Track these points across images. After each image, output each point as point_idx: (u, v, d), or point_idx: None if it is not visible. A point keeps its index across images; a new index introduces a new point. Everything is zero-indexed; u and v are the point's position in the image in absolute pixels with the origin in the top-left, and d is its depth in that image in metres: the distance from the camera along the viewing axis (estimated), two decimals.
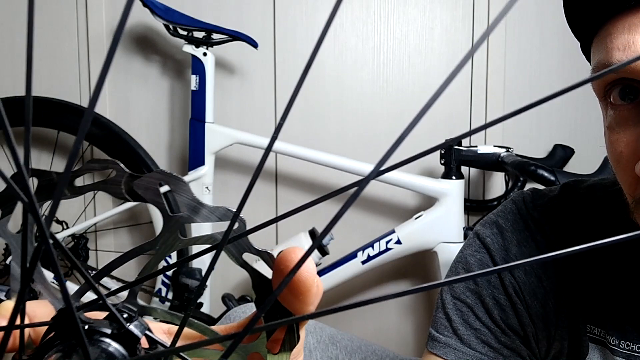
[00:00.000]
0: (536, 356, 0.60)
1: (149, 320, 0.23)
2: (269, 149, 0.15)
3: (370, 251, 1.22)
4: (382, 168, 0.14)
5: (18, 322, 0.18)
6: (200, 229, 1.19)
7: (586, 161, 1.33)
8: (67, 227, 1.36)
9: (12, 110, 1.35)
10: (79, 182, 0.23)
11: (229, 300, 1.28)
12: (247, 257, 0.25)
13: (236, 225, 0.19)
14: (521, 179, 1.24)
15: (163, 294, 1.31)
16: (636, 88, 0.43)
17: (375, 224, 1.45)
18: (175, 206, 0.22)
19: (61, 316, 0.19)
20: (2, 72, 1.45)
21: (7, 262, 1.29)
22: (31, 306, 0.23)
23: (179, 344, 0.23)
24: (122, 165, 0.22)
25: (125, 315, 0.20)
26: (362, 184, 0.14)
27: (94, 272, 0.20)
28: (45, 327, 0.20)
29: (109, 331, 0.19)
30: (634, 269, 0.54)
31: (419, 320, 1.48)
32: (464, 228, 1.23)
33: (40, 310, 0.23)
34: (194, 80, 1.28)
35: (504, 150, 1.22)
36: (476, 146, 1.24)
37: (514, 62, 1.42)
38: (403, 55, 1.43)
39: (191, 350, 0.22)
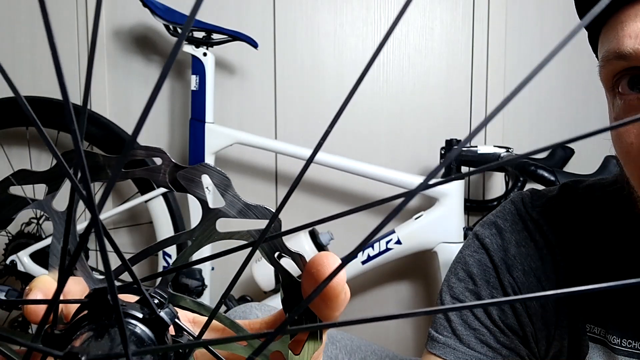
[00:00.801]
0: (535, 356, 0.60)
1: (176, 308, 0.24)
2: (310, 158, 0.15)
3: (370, 251, 1.22)
4: (431, 182, 0.14)
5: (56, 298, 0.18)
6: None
7: (586, 161, 1.33)
8: None
9: (13, 110, 1.35)
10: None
11: (228, 300, 1.28)
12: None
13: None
14: (521, 179, 1.24)
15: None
16: None
17: (375, 224, 1.45)
18: (214, 200, 0.22)
19: (97, 295, 0.20)
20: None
21: (7, 262, 1.29)
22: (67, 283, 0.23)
23: (205, 336, 0.23)
24: (168, 154, 0.22)
25: (156, 301, 0.20)
26: (408, 195, 0.14)
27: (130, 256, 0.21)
28: (78, 304, 0.20)
29: (140, 315, 0.20)
30: (634, 267, 0.54)
31: (419, 320, 1.48)
32: (464, 228, 1.23)
33: (74, 287, 0.24)
34: (194, 80, 1.28)
35: (504, 150, 1.22)
36: (476, 146, 1.24)
37: (514, 62, 1.42)
38: (403, 55, 1.43)
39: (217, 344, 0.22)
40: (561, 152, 1.32)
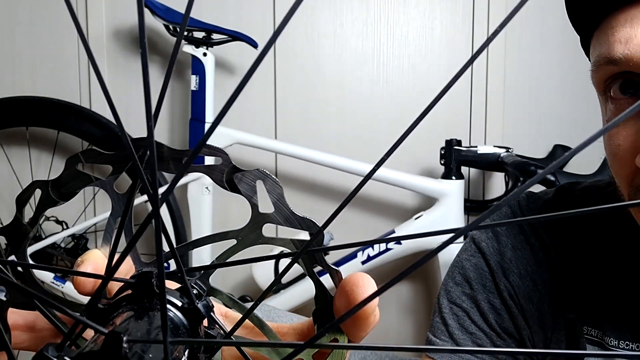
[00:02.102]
0: (532, 359, 0.60)
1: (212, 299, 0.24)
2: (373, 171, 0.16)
3: (370, 251, 1.22)
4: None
5: (105, 273, 0.19)
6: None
7: (586, 161, 1.33)
8: (67, 227, 1.36)
9: (13, 110, 1.35)
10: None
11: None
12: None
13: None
14: (521, 179, 1.24)
15: None
16: (636, 82, 0.43)
17: (375, 224, 1.45)
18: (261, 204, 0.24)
19: (142, 278, 0.20)
20: (2, 72, 1.45)
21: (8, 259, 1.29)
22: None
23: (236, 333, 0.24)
24: (229, 156, 0.23)
25: (195, 292, 0.21)
26: (457, 232, 0.14)
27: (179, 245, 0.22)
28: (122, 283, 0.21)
29: (179, 304, 0.20)
30: (630, 268, 0.54)
31: (419, 321, 1.48)
32: None
33: (122, 266, 0.24)
34: (193, 80, 1.28)
35: (504, 150, 1.22)
36: (476, 146, 1.24)
37: (514, 62, 1.43)
38: (403, 56, 1.43)
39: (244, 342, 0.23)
40: (561, 152, 1.32)
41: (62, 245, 1.39)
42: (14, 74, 1.45)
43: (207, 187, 1.29)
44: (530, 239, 0.59)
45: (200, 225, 1.31)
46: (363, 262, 1.22)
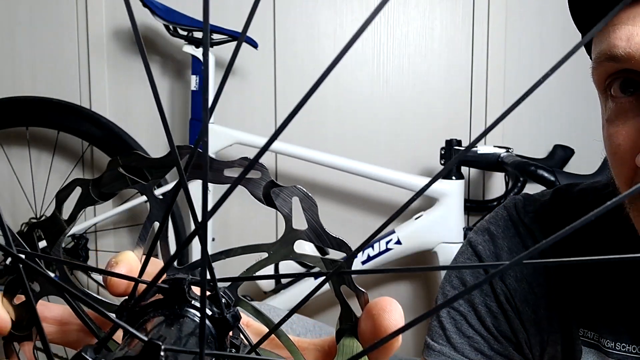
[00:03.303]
0: None
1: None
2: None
3: (370, 251, 1.22)
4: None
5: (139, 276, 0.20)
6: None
7: (586, 161, 1.33)
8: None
9: (13, 110, 1.35)
10: (227, 172, 0.25)
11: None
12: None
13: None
14: (521, 179, 1.24)
15: None
16: (637, 81, 0.43)
17: (375, 224, 1.44)
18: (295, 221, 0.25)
19: (176, 284, 0.21)
20: (2, 72, 1.45)
21: (7, 262, 1.29)
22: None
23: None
24: (267, 170, 0.24)
25: (224, 301, 0.21)
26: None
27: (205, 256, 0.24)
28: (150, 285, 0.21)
29: (210, 312, 0.21)
30: (626, 270, 0.54)
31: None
32: (464, 228, 1.23)
33: (151, 268, 0.25)
34: (194, 80, 1.28)
35: (504, 150, 1.22)
36: (476, 146, 1.24)
37: (514, 62, 1.42)
38: (403, 56, 1.43)
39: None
40: (561, 152, 1.32)
41: (62, 245, 1.39)
42: (14, 74, 1.45)
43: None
44: (526, 242, 0.59)
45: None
46: (363, 262, 1.22)
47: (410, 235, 1.21)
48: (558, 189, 0.62)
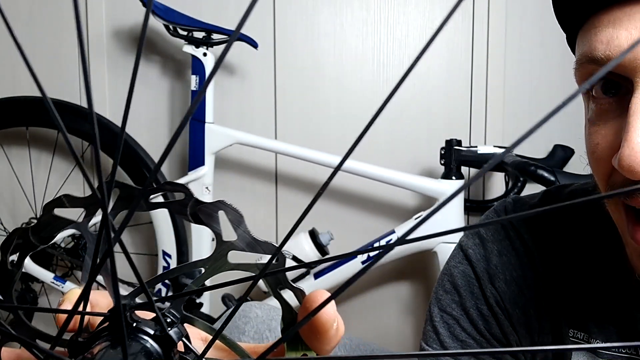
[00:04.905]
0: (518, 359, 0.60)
1: (189, 326, 0.26)
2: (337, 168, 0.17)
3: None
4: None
5: (82, 309, 0.22)
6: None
7: (586, 161, 1.33)
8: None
9: (13, 110, 1.35)
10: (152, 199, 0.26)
11: (228, 301, 1.28)
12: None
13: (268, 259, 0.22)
14: (521, 179, 1.24)
15: (163, 294, 1.31)
16: (618, 82, 0.43)
17: (375, 224, 1.45)
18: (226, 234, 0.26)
19: (117, 311, 0.22)
20: (2, 72, 1.45)
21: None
22: (95, 295, 0.27)
23: (211, 354, 0.26)
24: (191, 190, 0.25)
25: (168, 320, 0.23)
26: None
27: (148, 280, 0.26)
28: (101, 317, 0.23)
29: (152, 332, 0.22)
30: (614, 270, 0.54)
31: (418, 321, 1.48)
32: None
33: (103, 300, 0.27)
34: (194, 80, 1.28)
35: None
36: (476, 146, 1.24)
37: (514, 62, 1.42)
38: (403, 56, 1.43)
39: None
40: (561, 152, 1.32)
41: (62, 245, 1.39)
42: (14, 74, 1.45)
43: (207, 187, 1.29)
44: (515, 244, 0.60)
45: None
46: (363, 262, 1.22)
47: (410, 235, 1.21)
48: (548, 191, 0.63)
